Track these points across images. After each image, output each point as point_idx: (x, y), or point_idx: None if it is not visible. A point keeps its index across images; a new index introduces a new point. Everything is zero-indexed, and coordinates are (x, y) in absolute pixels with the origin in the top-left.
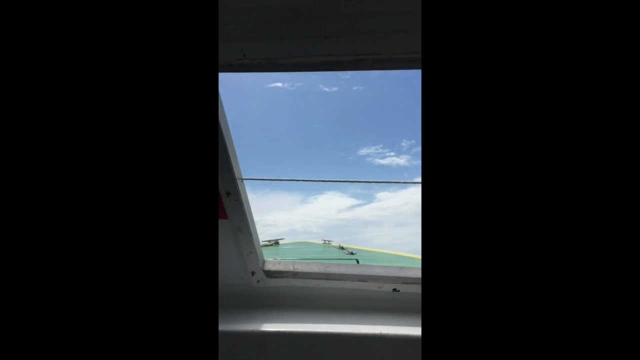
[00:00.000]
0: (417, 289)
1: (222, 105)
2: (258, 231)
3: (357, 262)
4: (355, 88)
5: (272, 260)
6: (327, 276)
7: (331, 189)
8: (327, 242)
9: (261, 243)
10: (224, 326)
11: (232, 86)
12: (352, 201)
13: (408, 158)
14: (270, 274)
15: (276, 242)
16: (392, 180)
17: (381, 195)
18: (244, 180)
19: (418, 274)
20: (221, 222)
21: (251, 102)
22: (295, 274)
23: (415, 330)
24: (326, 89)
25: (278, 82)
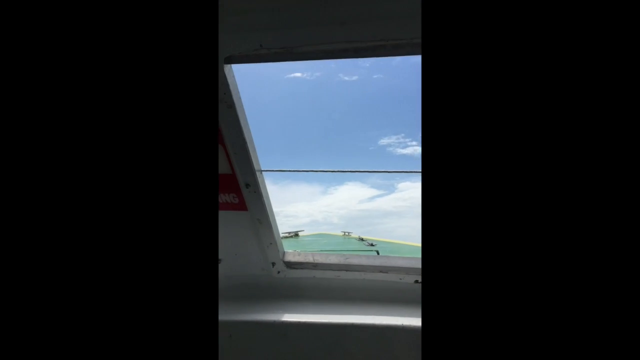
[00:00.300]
0: None
1: (240, 98)
2: (279, 222)
3: (378, 253)
4: (375, 76)
5: (292, 252)
6: (347, 267)
7: (352, 180)
8: (346, 233)
9: (281, 235)
10: (245, 316)
11: (251, 77)
12: (372, 192)
13: None
14: (291, 265)
15: (296, 234)
16: (412, 170)
17: (402, 185)
18: (262, 172)
19: None
20: (241, 214)
21: (270, 93)
22: (315, 265)
23: None
24: (346, 78)
25: (297, 72)
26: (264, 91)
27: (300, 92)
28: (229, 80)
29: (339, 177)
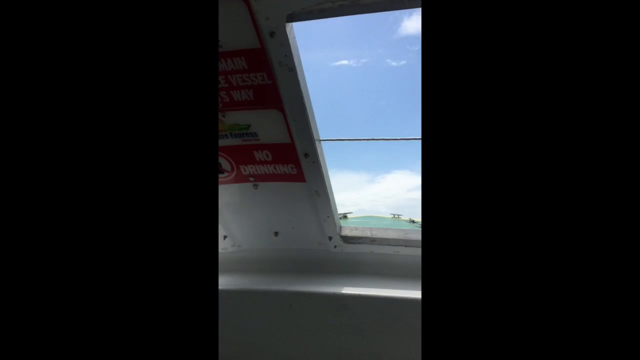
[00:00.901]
0: None
1: (300, 61)
2: None
3: None
4: None
5: (349, 226)
6: (407, 243)
7: (400, 168)
8: (396, 216)
9: None
10: (304, 287)
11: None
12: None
13: None
14: (348, 240)
15: (344, 216)
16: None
17: None
18: (321, 142)
19: None
20: (298, 185)
21: (315, 82)
22: (373, 240)
23: None
24: (394, 64)
25: (343, 59)
26: (308, 81)
27: (347, 79)
28: (290, 41)
29: (386, 166)
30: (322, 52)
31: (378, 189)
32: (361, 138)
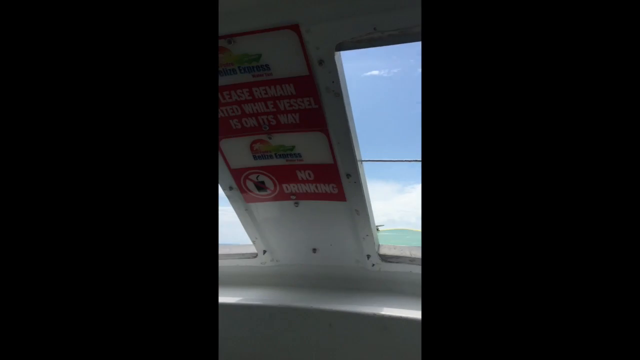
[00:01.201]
0: None
1: (346, 87)
2: None
3: None
4: None
5: (387, 245)
6: None
7: None
8: None
9: None
10: (343, 306)
11: None
12: None
13: None
14: (386, 259)
15: (376, 228)
16: None
17: None
18: (363, 162)
19: None
20: (339, 204)
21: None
22: (412, 260)
23: None
24: None
25: (374, 70)
26: None
27: (378, 89)
28: (338, 68)
29: (417, 175)
30: (353, 63)
31: (408, 199)
32: (404, 159)
